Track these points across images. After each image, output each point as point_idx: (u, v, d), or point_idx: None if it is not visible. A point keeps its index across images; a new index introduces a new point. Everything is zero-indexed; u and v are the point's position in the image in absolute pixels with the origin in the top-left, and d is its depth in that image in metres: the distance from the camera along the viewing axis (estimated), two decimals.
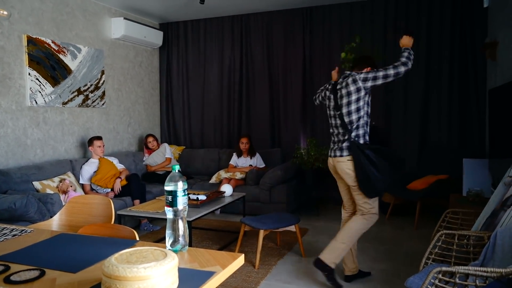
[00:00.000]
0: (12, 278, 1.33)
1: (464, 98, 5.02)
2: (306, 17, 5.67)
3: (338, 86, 3.00)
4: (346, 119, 2.92)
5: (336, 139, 3.06)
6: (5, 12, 1.91)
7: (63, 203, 3.65)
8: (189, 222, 3.30)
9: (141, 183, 4.64)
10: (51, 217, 3.11)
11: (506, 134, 3.32)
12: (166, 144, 5.71)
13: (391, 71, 2.81)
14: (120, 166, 4.83)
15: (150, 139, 5.62)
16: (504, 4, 3.94)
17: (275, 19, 5.85)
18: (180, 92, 6.48)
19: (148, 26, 5.91)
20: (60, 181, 4.10)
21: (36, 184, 3.93)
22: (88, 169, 4.56)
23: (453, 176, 4.51)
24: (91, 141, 4.65)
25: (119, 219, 3.60)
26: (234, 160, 5.48)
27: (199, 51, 6.33)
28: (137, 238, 1.77)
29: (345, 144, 2.93)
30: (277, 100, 5.95)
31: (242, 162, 5.45)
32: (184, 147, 6.30)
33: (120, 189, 4.48)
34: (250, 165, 5.37)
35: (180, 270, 1.29)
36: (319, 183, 5.28)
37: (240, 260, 1.51)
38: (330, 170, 3.19)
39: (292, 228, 3.54)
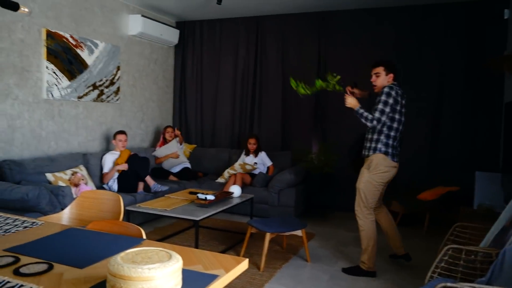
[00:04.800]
0: (21, 270, 1.36)
1: (479, 110, 4.94)
2: (321, 22, 5.65)
3: (402, 93, 3.34)
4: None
5: (398, 144, 3.37)
6: (26, 9, 1.95)
7: (74, 196, 3.71)
8: (196, 222, 3.32)
9: (141, 161, 4.75)
10: (62, 209, 3.17)
11: None
12: (176, 139, 5.79)
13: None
14: None
15: (169, 129, 5.74)
16: None
17: (290, 22, 5.85)
18: (194, 90, 6.52)
19: (165, 24, 5.96)
20: (72, 174, 4.16)
21: (49, 176, 3.99)
22: (110, 157, 4.72)
23: (464, 188, 4.46)
24: (114, 135, 4.83)
25: (128, 214, 3.64)
26: (242, 158, 5.55)
27: (214, 51, 6.36)
28: (144, 237, 1.80)
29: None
30: (289, 103, 5.94)
31: (248, 160, 5.50)
32: (195, 145, 6.34)
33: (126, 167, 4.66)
34: (255, 163, 5.42)
35: (184, 272, 1.31)
36: (326, 189, 5.26)
37: (243, 265, 1.52)
38: (392, 176, 3.38)
39: (298, 232, 3.54)
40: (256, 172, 5.34)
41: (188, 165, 5.76)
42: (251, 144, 5.45)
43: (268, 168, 5.48)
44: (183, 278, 1.27)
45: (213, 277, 1.35)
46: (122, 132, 4.83)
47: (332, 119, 5.63)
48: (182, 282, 1.26)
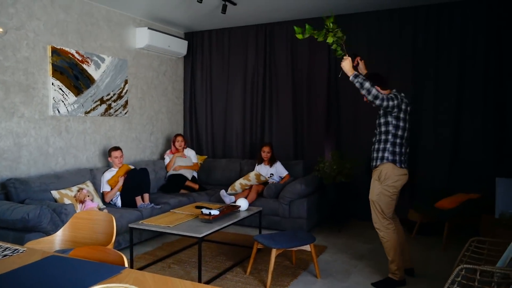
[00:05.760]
0: None
1: (502, 112, 4.67)
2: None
3: (406, 101, 3.23)
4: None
5: (405, 150, 3.25)
6: (1, 29, 1.91)
7: None
8: (200, 239, 3.21)
9: (142, 173, 4.65)
10: None
11: None
12: (192, 150, 5.84)
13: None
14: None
15: (180, 138, 5.68)
16: None
17: None
18: (204, 101, 6.46)
19: (173, 36, 5.92)
20: (78, 191, 4.12)
21: (54, 193, 3.97)
22: (108, 175, 4.63)
23: (486, 195, 4.20)
24: (109, 152, 4.72)
25: (131, 230, 3.56)
26: (257, 169, 5.44)
27: (223, 60, 6.29)
28: (126, 265, 1.69)
29: None
30: (300, 111, 5.79)
31: (263, 171, 5.37)
32: (206, 156, 6.26)
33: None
34: (271, 174, 5.29)
35: None
36: (341, 198, 5.07)
37: None
38: (403, 183, 3.26)
39: (307, 247, 3.38)
40: (270, 181, 5.25)
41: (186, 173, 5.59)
42: (265, 152, 5.33)
43: (282, 177, 5.35)
44: None
45: None
46: (116, 149, 4.71)
47: (347, 126, 5.46)
48: None
